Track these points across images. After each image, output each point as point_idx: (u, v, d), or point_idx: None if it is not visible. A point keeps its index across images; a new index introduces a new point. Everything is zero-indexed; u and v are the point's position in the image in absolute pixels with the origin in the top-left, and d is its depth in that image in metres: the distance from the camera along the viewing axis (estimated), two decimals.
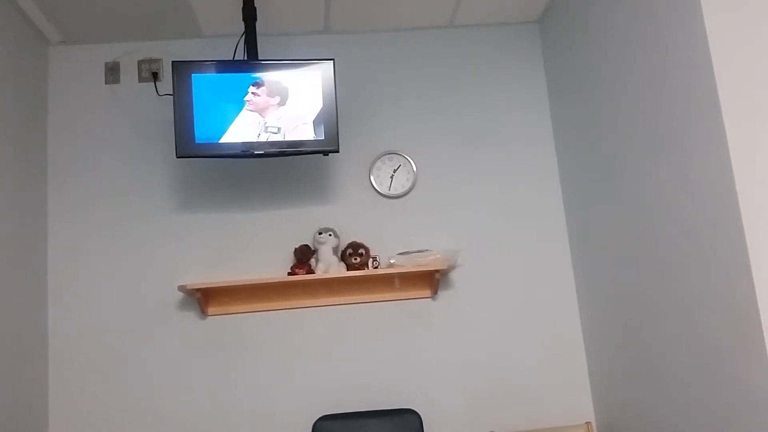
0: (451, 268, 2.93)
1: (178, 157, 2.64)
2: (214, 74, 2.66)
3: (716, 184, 1.86)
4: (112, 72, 3.05)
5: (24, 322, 2.64)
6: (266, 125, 2.65)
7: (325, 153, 2.72)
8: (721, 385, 1.92)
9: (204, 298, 2.83)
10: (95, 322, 2.85)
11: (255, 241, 2.95)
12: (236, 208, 2.98)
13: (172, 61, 2.67)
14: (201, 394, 2.83)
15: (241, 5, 2.82)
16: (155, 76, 3.03)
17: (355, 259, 2.84)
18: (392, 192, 3.03)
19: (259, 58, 2.90)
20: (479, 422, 2.86)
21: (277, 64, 2.69)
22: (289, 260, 2.92)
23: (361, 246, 2.88)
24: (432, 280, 2.90)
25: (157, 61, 3.06)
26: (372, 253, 2.91)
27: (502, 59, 3.17)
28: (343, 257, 2.87)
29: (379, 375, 2.89)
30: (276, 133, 2.66)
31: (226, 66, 2.68)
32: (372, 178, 3.03)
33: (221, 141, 2.64)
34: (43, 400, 2.76)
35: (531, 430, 2.80)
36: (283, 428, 2.82)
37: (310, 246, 2.89)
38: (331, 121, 2.70)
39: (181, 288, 2.75)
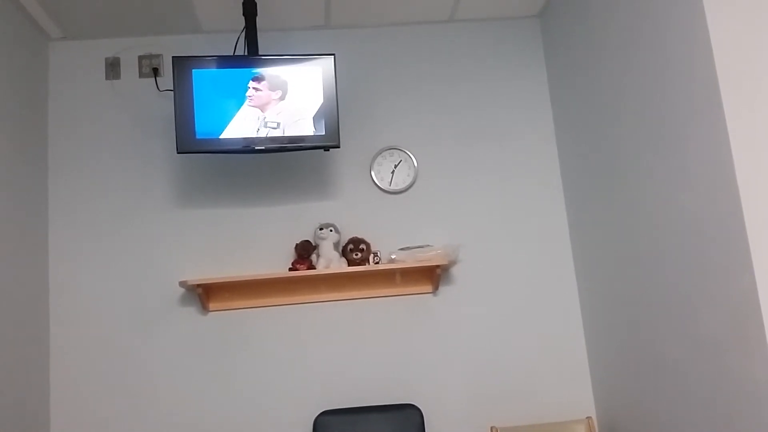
0: (452, 263, 2.93)
1: (178, 153, 2.64)
2: (215, 70, 2.65)
3: (718, 180, 1.85)
4: (113, 67, 3.04)
5: (25, 318, 2.64)
6: (266, 120, 2.65)
7: (326, 148, 2.72)
8: (722, 380, 1.92)
9: (205, 294, 2.83)
10: (96, 318, 2.86)
11: (256, 237, 2.95)
12: (237, 203, 2.98)
13: (173, 57, 2.67)
14: (202, 389, 2.83)
15: (242, 0, 2.82)
16: (156, 72, 3.03)
17: (356, 254, 2.84)
18: (393, 187, 3.02)
19: (260, 53, 2.90)
20: (480, 417, 2.87)
21: (278, 59, 2.69)
22: (290, 256, 2.92)
23: (362, 241, 2.88)
24: (433, 275, 2.90)
25: (157, 56, 3.05)
26: (373, 249, 2.91)
27: (503, 54, 3.17)
28: (344, 253, 2.87)
29: (380, 370, 2.89)
30: (275, 128, 2.66)
31: (226, 61, 2.68)
32: (373, 174, 3.03)
33: (222, 136, 2.63)
34: (45, 397, 2.76)
35: (532, 425, 2.80)
36: (284, 423, 2.82)
37: (311, 241, 2.89)
38: (331, 116, 2.69)
39: (183, 284, 2.75)
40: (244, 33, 2.83)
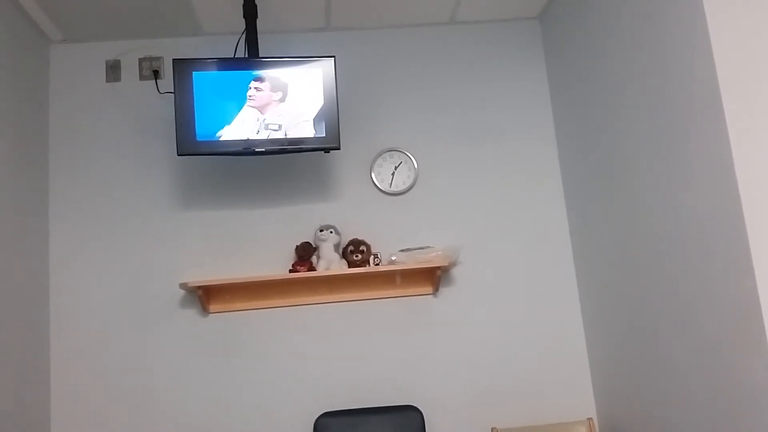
0: (453, 264, 2.93)
1: (179, 155, 2.64)
2: (215, 72, 2.66)
3: (718, 180, 1.85)
4: (113, 70, 3.05)
5: (26, 320, 2.64)
6: (266, 122, 2.65)
7: (326, 150, 2.72)
8: (722, 381, 1.92)
9: (206, 296, 2.83)
10: (97, 320, 2.86)
11: (256, 239, 2.95)
12: (237, 205, 2.98)
13: (173, 59, 2.67)
14: (203, 391, 2.83)
15: (242, 2, 2.82)
16: (156, 74, 3.03)
17: (357, 256, 2.85)
18: (393, 189, 3.03)
19: (260, 55, 2.90)
20: (481, 418, 2.86)
21: (278, 61, 2.69)
22: (291, 257, 2.92)
23: (363, 243, 2.88)
24: (433, 276, 2.90)
25: (157, 59, 3.06)
26: (373, 250, 2.91)
27: (503, 55, 3.17)
28: (345, 254, 2.87)
29: (381, 372, 2.89)
30: (277, 130, 2.66)
31: (226, 64, 2.68)
32: (373, 175, 3.03)
33: (222, 138, 2.64)
34: (45, 398, 2.76)
35: (533, 426, 2.80)
36: (284, 425, 2.82)
37: (312, 243, 2.89)
38: (332, 118, 2.70)
39: (183, 285, 2.75)
40: (244, 35, 2.83)
